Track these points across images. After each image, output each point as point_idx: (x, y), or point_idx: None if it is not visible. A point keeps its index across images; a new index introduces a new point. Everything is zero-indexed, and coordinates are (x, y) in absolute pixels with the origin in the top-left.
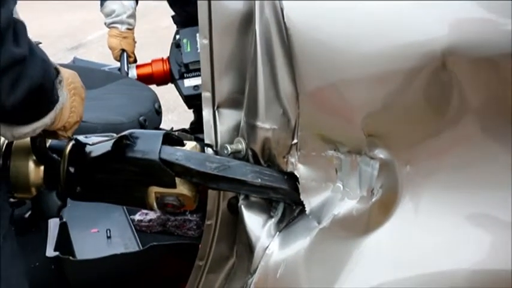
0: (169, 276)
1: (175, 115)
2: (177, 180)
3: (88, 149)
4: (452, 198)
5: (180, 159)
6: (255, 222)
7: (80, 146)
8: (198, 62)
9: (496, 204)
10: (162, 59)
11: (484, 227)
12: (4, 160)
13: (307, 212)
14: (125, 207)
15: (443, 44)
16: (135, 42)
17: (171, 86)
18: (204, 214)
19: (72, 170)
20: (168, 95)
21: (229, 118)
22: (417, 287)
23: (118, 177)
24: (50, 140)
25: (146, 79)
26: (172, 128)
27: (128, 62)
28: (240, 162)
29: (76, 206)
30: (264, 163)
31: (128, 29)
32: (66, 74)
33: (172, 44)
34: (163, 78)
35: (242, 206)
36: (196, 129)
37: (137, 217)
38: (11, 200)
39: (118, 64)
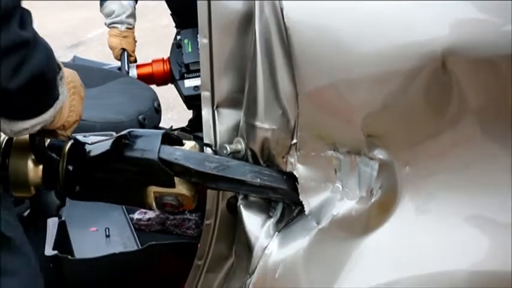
0: (168, 275)
1: (175, 114)
2: (176, 179)
3: (87, 148)
4: (451, 199)
5: (179, 159)
6: (254, 222)
7: (79, 145)
8: (199, 62)
9: (495, 205)
10: (163, 59)
11: (483, 228)
12: (3, 159)
13: (306, 212)
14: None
15: (443, 45)
16: (135, 41)
17: (170, 85)
18: (203, 213)
19: (71, 169)
20: (167, 94)
21: (228, 118)
22: None
23: (117, 176)
24: (48, 139)
25: (146, 79)
26: (171, 127)
27: (129, 62)
28: (239, 162)
29: (75, 205)
30: (263, 163)
31: (128, 28)
32: (66, 72)
33: (173, 44)
34: (163, 79)
35: (241, 206)
36: (194, 126)
37: (136, 216)
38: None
39: (118, 63)
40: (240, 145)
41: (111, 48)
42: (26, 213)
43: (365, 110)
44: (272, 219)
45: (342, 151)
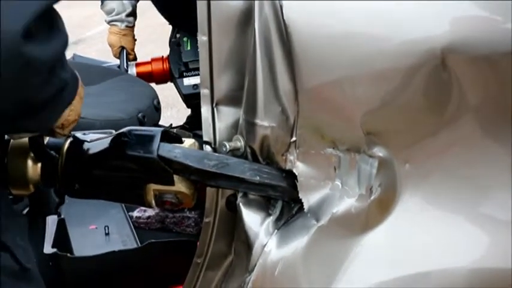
0: (168, 273)
1: (175, 111)
2: (176, 177)
3: (86, 146)
4: (451, 197)
5: (178, 157)
6: (253, 220)
7: (78, 143)
8: (198, 61)
9: (495, 203)
10: (162, 58)
11: (483, 226)
12: (1, 157)
13: (305, 210)
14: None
15: (443, 42)
16: (135, 40)
17: (170, 83)
18: (202, 211)
19: (70, 166)
20: (167, 92)
21: (227, 115)
22: (415, 286)
23: (116, 174)
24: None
25: (146, 77)
26: (171, 125)
27: (128, 60)
28: (239, 159)
29: (74, 203)
30: (263, 161)
31: (128, 26)
32: None
33: (172, 42)
34: (162, 77)
35: (240, 204)
36: (193, 123)
37: (135, 214)
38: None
39: (118, 61)
40: (239, 143)
41: (111, 46)
42: (25, 211)
43: (364, 108)
44: (271, 217)
45: (342, 149)
